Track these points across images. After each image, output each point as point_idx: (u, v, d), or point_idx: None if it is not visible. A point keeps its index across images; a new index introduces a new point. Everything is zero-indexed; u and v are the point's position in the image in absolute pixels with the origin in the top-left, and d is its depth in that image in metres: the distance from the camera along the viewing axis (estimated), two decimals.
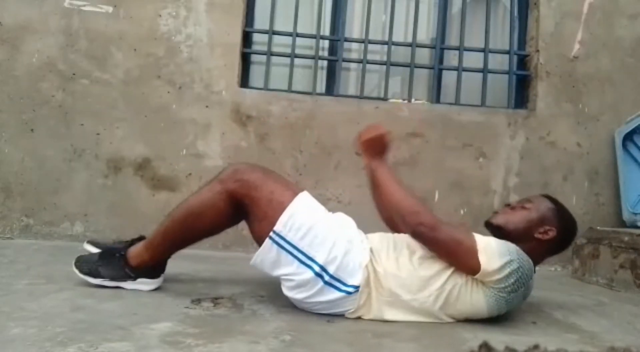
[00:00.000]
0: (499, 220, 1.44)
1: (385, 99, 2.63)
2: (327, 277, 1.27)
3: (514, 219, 1.41)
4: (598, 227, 2.30)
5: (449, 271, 1.29)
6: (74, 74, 2.43)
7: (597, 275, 2.11)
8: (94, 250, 1.56)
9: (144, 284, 1.44)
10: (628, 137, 2.49)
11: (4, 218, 2.37)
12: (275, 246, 1.28)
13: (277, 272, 1.32)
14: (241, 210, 1.36)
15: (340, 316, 1.31)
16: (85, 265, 1.43)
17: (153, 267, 1.45)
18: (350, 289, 1.28)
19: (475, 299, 1.29)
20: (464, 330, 1.26)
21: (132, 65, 2.45)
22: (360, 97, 2.58)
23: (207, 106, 2.47)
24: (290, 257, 1.28)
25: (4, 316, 1.12)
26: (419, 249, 1.34)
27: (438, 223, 1.28)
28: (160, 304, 1.32)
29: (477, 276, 1.26)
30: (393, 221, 1.50)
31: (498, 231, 1.41)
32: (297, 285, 1.29)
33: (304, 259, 1.27)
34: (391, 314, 1.31)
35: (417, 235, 1.30)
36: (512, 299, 1.29)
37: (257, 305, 1.39)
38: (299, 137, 2.48)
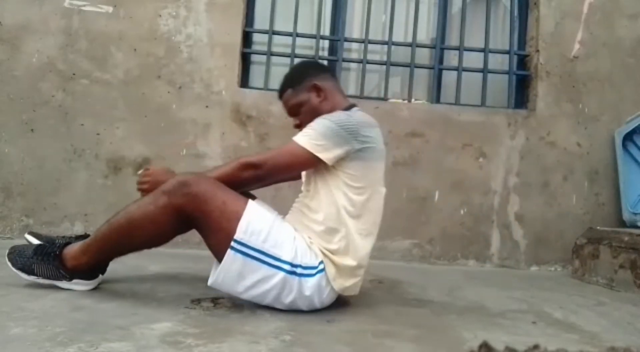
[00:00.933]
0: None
1: (385, 99, 2.63)
2: (299, 270, 1.28)
3: (310, 120, 1.41)
4: (598, 227, 2.31)
5: (317, 176, 1.37)
6: (74, 74, 2.43)
7: (597, 275, 2.11)
8: (35, 242, 1.49)
9: (80, 285, 1.39)
10: (628, 137, 2.49)
11: (4, 218, 2.37)
12: (239, 254, 1.25)
13: (243, 284, 1.27)
14: (190, 223, 1.30)
15: (342, 315, 1.31)
16: (19, 259, 1.37)
17: (90, 270, 1.40)
18: (321, 266, 1.31)
19: (348, 172, 1.34)
20: (464, 330, 1.26)
21: (132, 65, 2.45)
22: (360, 97, 2.58)
23: (207, 106, 2.47)
24: (256, 263, 1.26)
25: (4, 316, 1.12)
26: (305, 192, 1.43)
27: (264, 157, 1.34)
28: (160, 304, 1.32)
29: (328, 163, 1.32)
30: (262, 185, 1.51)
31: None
32: (277, 293, 1.28)
33: (271, 261, 1.26)
34: (356, 254, 1.34)
35: (261, 178, 1.35)
36: (365, 154, 1.34)
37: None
38: None
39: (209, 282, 1.29)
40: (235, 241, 1.25)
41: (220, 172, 1.34)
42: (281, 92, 1.53)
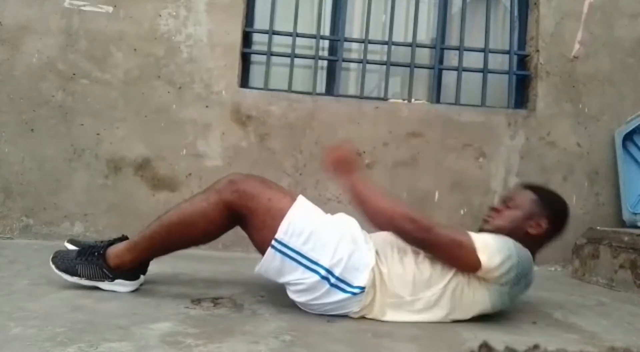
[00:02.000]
0: (489, 226, 1.42)
1: (385, 99, 2.63)
2: (333, 280, 1.27)
3: (503, 222, 1.40)
4: (598, 227, 2.30)
5: (452, 270, 1.30)
6: (74, 74, 2.43)
7: (597, 275, 2.11)
8: (74, 248, 1.50)
9: (122, 286, 1.40)
10: (628, 137, 2.49)
11: (4, 218, 2.37)
12: (278, 254, 1.27)
13: (282, 280, 1.31)
14: (237, 220, 1.35)
15: (343, 316, 1.31)
16: (63, 262, 1.39)
17: (133, 269, 1.41)
18: (356, 290, 1.27)
19: (478, 296, 1.29)
20: (464, 330, 1.26)
21: (132, 65, 2.45)
22: (360, 97, 2.58)
23: (207, 106, 2.47)
24: (294, 263, 1.27)
25: (4, 316, 1.12)
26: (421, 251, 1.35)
27: (432, 225, 1.28)
28: (160, 304, 1.32)
29: (478, 274, 1.26)
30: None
31: None
32: (303, 289, 1.29)
33: (309, 264, 1.27)
34: (393, 316, 1.31)
35: (414, 241, 1.30)
36: (514, 292, 1.31)
37: (257, 305, 1.39)
38: (299, 137, 2.48)
39: (255, 270, 1.33)
40: (276, 241, 1.27)
41: (387, 205, 1.29)
42: (529, 186, 1.49)
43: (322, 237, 1.29)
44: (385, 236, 1.41)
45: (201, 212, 1.32)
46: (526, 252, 1.30)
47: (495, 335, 1.21)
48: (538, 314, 1.49)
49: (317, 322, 1.26)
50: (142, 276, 1.45)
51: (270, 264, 1.29)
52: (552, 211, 1.42)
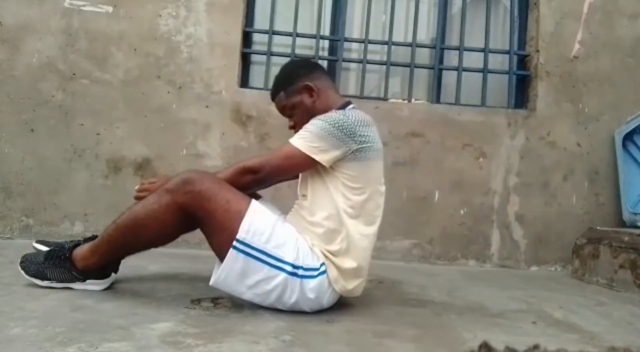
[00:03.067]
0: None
1: (385, 99, 2.63)
2: (300, 271, 1.28)
3: (306, 124, 1.40)
4: (598, 227, 2.31)
5: (314, 178, 1.37)
6: (74, 74, 2.43)
7: (597, 275, 2.11)
8: (43, 249, 1.51)
9: (94, 285, 1.40)
10: (628, 137, 2.49)
11: (4, 218, 2.37)
12: (241, 254, 1.25)
13: (245, 283, 1.27)
14: (194, 222, 1.30)
15: (343, 317, 1.31)
16: (32, 266, 1.38)
17: (101, 270, 1.41)
18: (323, 268, 1.31)
19: (354, 179, 1.33)
20: (464, 330, 1.26)
21: (132, 65, 2.45)
22: (360, 97, 2.58)
23: (207, 106, 2.47)
24: (259, 263, 1.26)
25: (4, 316, 1.12)
26: (301, 194, 1.42)
27: (262, 161, 1.34)
28: (160, 304, 1.32)
29: (327, 166, 1.32)
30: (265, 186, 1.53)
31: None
32: (278, 293, 1.28)
33: (274, 261, 1.26)
34: (351, 260, 1.33)
35: (263, 182, 1.36)
36: (365, 151, 1.34)
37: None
38: None
39: (211, 282, 1.29)
40: (238, 241, 1.24)
41: (220, 176, 1.34)
42: (273, 94, 1.53)
43: (281, 234, 1.30)
44: (291, 212, 1.46)
45: (153, 214, 1.27)
46: (335, 114, 1.35)
47: (495, 335, 1.21)
48: (538, 314, 1.49)
49: (317, 322, 1.26)
50: (113, 274, 1.46)
51: (232, 267, 1.25)
52: (297, 77, 1.46)
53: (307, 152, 1.31)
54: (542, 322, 1.40)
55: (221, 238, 1.27)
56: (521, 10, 2.76)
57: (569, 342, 1.20)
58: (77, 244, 1.43)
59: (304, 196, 1.41)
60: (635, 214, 2.38)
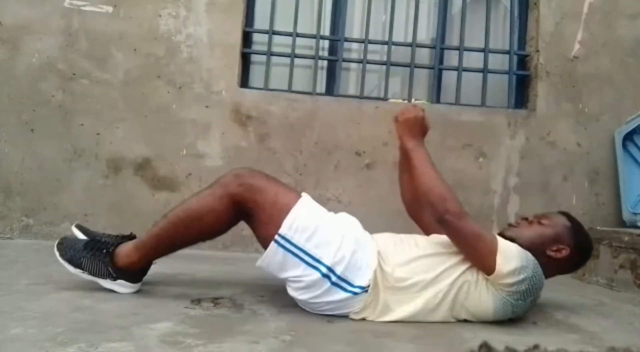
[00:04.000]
0: (512, 232, 1.43)
1: (385, 99, 2.63)
2: (334, 278, 1.26)
3: (528, 233, 1.41)
4: (598, 227, 2.30)
5: (461, 269, 1.30)
6: (74, 74, 2.43)
7: (597, 275, 2.11)
8: (81, 235, 1.50)
9: (122, 287, 1.39)
10: (628, 137, 2.49)
11: (4, 218, 2.37)
12: (281, 249, 1.27)
13: (283, 275, 1.31)
14: (243, 214, 1.34)
15: (343, 316, 1.31)
16: (69, 251, 1.37)
17: (138, 271, 1.41)
18: (357, 290, 1.27)
19: (484, 299, 1.29)
20: (464, 330, 1.26)
21: (132, 65, 2.45)
22: (360, 97, 2.58)
23: (207, 106, 2.47)
24: (296, 259, 1.27)
25: (4, 316, 1.12)
26: (428, 248, 1.36)
27: (464, 214, 1.29)
28: (160, 304, 1.32)
29: (490, 276, 1.26)
30: (413, 204, 1.57)
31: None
32: (304, 286, 1.28)
33: (311, 261, 1.26)
34: (396, 311, 1.30)
35: (441, 222, 1.29)
36: (519, 305, 1.29)
37: (257, 305, 1.39)
38: (299, 137, 2.48)
39: (257, 264, 1.33)
40: (280, 235, 1.27)
41: (437, 182, 1.31)
42: (565, 213, 1.49)
43: (325, 235, 1.29)
44: (388, 237, 1.42)
45: (207, 206, 1.32)
46: (541, 271, 1.30)
47: (495, 335, 1.21)
48: (538, 314, 1.49)
49: (317, 322, 1.26)
50: (142, 280, 1.45)
51: (272, 258, 1.29)
52: (578, 243, 1.42)
53: (497, 255, 1.24)
54: (542, 322, 1.40)
55: (266, 229, 1.30)
56: (521, 10, 2.76)
57: (569, 342, 1.20)
58: (121, 240, 1.42)
59: (430, 248, 1.36)
60: (635, 214, 2.38)
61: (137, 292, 1.43)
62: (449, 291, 1.29)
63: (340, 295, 1.27)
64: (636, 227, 2.30)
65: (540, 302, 1.64)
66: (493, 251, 1.25)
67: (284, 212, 1.28)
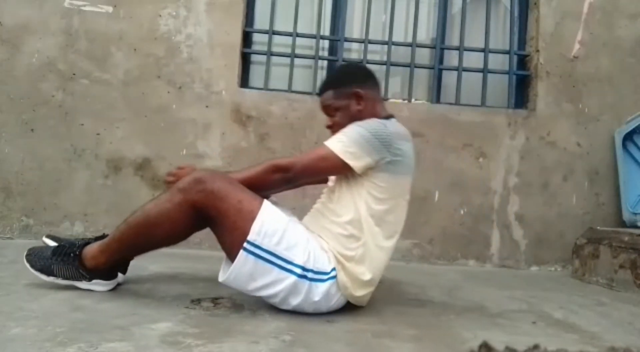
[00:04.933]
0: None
1: (385, 99, 2.62)
2: (310, 275, 1.27)
3: (344, 128, 1.38)
4: (598, 227, 2.31)
5: (341, 182, 1.36)
6: (74, 74, 2.43)
7: (597, 275, 2.11)
8: (52, 244, 1.49)
9: (99, 285, 1.39)
10: (628, 137, 2.49)
11: (4, 218, 2.37)
12: (250, 256, 1.23)
13: (254, 285, 1.27)
14: (205, 221, 1.29)
15: (342, 314, 1.31)
16: (39, 261, 1.37)
17: (109, 270, 1.40)
18: (333, 273, 1.30)
19: (374, 182, 1.33)
20: (464, 330, 1.26)
21: (132, 65, 2.45)
22: None
23: (207, 106, 2.47)
24: (268, 265, 1.25)
25: (4, 316, 1.12)
26: (328, 195, 1.42)
27: (293, 161, 1.34)
28: (160, 304, 1.32)
29: (357, 173, 1.32)
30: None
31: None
32: (285, 295, 1.27)
33: (283, 263, 1.25)
34: (365, 266, 1.33)
35: (290, 181, 1.34)
36: (397, 165, 1.34)
37: (257, 305, 1.39)
38: (299, 137, 2.48)
39: (220, 279, 1.29)
40: (248, 242, 1.23)
41: (248, 174, 1.34)
42: (322, 90, 1.50)
43: (292, 236, 1.28)
44: (308, 216, 1.46)
45: (165, 213, 1.27)
46: (375, 123, 1.35)
47: (495, 335, 1.21)
48: (538, 314, 1.49)
49: (317, 322, 1.26)
50: (120, 275, 1.45)
51: (241, 268, 1.24)
52: (351, 82, 1.45)
53: (342, 156, 1.30)
54: (542, 322, 1.40)
55: (232, 237, 1.26)
56: (521, 10, 2.76)
57: (569, 342, 1.20)
58: (88, 242, 1.42)
59: (332, 194, 1.40)
60: (635, 214, 2.38)
61: (137, 292, 1.43)
62: (363, 209, 1.33)
63: (324, 286, 1.28)
64: (636, 227, 2.30)
65: (540, 302, 1.65)
66: (336, 157, 1.30)
67: (249, 219, 1.24)
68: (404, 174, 1.39)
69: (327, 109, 1.48)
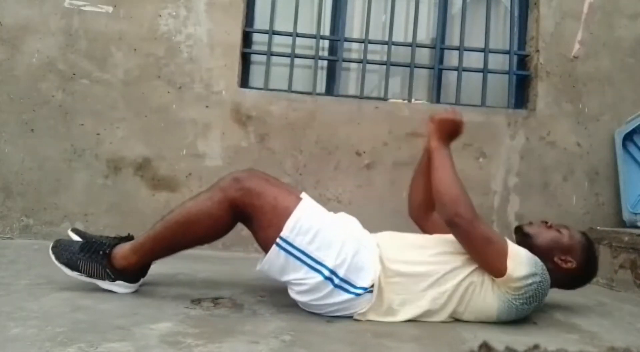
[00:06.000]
0: (530, 229, 1.46)
1: (385, 99, 2.63)
2: (336, 280, 1.26)
3: (545, 235, 1.43)
4: (598, 227, 2.31)
5: (468, 270, 1.30)
6: (74, 74, 2.43)
7: (597, 275, 2.11)
8: (77, 238, 1.47)
9: (121, 287, 1.39)
10: (628, 137, 2.49)
11: (4, 218, 2.37)
12: (282, 252, 1.26)
13: (285, 278, 1.30)
14: (242, 218, 1.33)
15: (345, 317, 1.30)
16: (65, 253, 1.36)
17: (136, 271, 1.40)
18: (360, 291, 1.27)
19: (488, 301, 1.30)
20: (464, 330, 1.26)
21: (132, 65, 2.45)
22: (360, 97, 2.58)
23: (207, 106, 2.47)
24: (298, 262, 1.26)
25: (4, 316, 1.12)
26: (433, 246, 1.36)
27: (476, 217, 1.29)
28: (160, 304, 1.32)
29: (499, 279, 1.27)
30: (421, 206, 1.58)
31: (524, 239, 1.44)
32: (306, 289, 1.28)
33: (313, 263, 1.26)
34: (401, 312, 1.30)
35: (452, 224, 1.30)
36: (523, 309, 1.30)
37: (257, 305, 1.39)
38: (299, 137, 2.48)
39: (257, 268, 1.33)
40: (281, 239, 1.25)
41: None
42: (584, 233, 1.51)
43: (327, 237, 1.28)
44: (390, 235, 1.42)
45: (206, 210, 1.30)
46: (548, 277, 1.31)
47: (495, 335, 1.21)
48: (538, 314, 1.48)
49: (317, 322, 1.26)
50: (141, 279, 1.45)
51: (273, 262, 1.28)
52: (586, 262, 1.45)
53: (507, 256, 1.25)
54: (542, 322, 1.40)
55: (267, 233, 1.29)
56: (521, 10, 2.76)
57: (569, 342, 1.20)
58: (117, 242, 1.40)
59: (435, 249, 1.36)
60: (635, 214, 2.38)
61: (137, 292, 1.43)
62: (455, 291, 1.29)
63: (343, 297, 1.27)
64: (636, 227, 2.30)
65: None
66: (503, 255, 1.26)
67: (284, 216, 1.26)
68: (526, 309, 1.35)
69: (566, 229, 1.49)
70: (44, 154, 2.39)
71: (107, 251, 1.36)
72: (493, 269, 1.27)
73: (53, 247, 1.38)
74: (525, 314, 1.34)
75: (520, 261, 1.26)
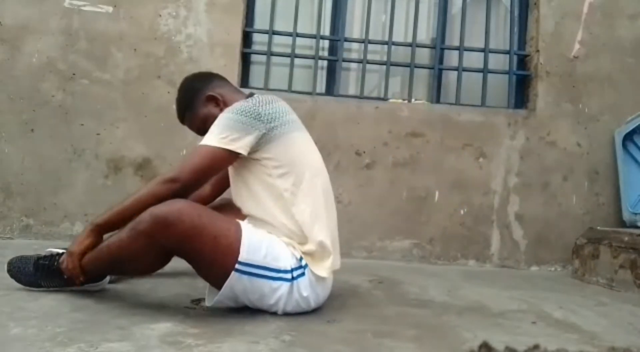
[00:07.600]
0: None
1: (385, 99, 2.63)
2: (295, 273, 1.27)
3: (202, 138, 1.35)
4: (598, 227, 2.31)
5: (239, 182, 1.35)
6: (74, 74, 2.43)
7: (597, 275, 2.11)
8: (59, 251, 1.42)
9: (91, 287, 1.38)
10: (628, 137, 2.49)
11: (4, 218, 2.37)
12: (244, 276, 1.21)
13: (248, 299, 1.26)
14: (179, 255, 1.25)
15: (341, 311, 1.31)
16: (23, 278, 1.35)
17: (94, 277, 1.36)
18: (304, 262, 1.29)
19: (268, 158, 1.31)
20: (464, 330, 1.26)
21: (132, 65, 2.45)
22: (360, 97, 2.58)
23: None
24: (261, 280, 1.23)
25: (4, 316, 1.12)
26: (237, 199, 1.39)
27: (178, 168, 1.26)
28: (160, 304, 1.33)
29: (243, 156, 1.28)
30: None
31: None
32: (283, 303, 1.27)
33: (274, 274, 1.25)
34: (317, 235, 1.31)
35: (185, 190, 1.26)
36: (278, 130, 1.31)
37: None
38: None
39: (209, 304, 1.27)
40: (240, 263, 1.21)
41: (141, 194, 1.25)
42: (181, 119, 1.50)
43: (274, 245, 1.27)
44: (248, 211, 1.39)
45: (138, 253, 1.20)
46: (237, 104, 1.32)
47: (495, 335, 1.21)
48: (538, 314, 1.49)
49: (317, 322, 1.26)
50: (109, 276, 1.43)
51: (233, 288, 1.22)
52: (196, 92, 1.44)
53: (220, 145, 1.25)
54: (542, 322, 1.40)
55: (214, 271, 1.23)
56: (521, 10, 2.76)
57: (569, 342, 1.20)
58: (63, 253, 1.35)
59: (240, 197, 1.38)
60: (635, 214, 2.38)
61: (137, 292, 1.43)
62: (269, 191, 1.31)
63: (306, 277, 1.28)
64: (636, 227, 2.30)
65: (540, 302, 1.65)
66: (217, 150, 1.25)
67: (229, 253, 1.20)
68: (291, 132, 1.36)
69: (199, 129, 1.45)
70: (44, 154, 2.39)
71: (56, 265, 1.33)
72: (233, 157, 1.29)
73: (8, 271, 1.36)
74: (285, 131, 1.34)
75: (219, 132, 1.27)
